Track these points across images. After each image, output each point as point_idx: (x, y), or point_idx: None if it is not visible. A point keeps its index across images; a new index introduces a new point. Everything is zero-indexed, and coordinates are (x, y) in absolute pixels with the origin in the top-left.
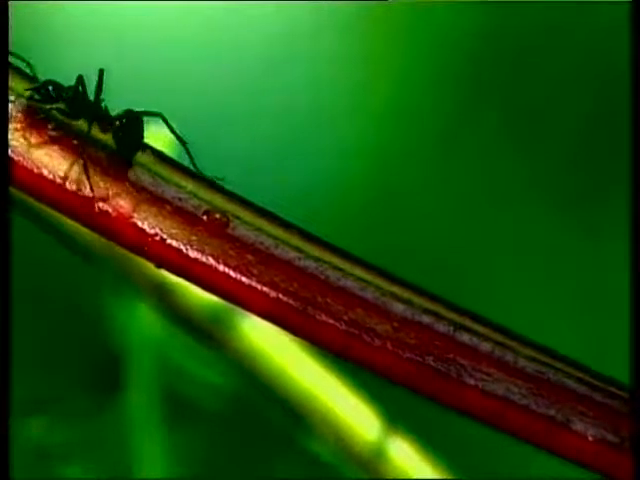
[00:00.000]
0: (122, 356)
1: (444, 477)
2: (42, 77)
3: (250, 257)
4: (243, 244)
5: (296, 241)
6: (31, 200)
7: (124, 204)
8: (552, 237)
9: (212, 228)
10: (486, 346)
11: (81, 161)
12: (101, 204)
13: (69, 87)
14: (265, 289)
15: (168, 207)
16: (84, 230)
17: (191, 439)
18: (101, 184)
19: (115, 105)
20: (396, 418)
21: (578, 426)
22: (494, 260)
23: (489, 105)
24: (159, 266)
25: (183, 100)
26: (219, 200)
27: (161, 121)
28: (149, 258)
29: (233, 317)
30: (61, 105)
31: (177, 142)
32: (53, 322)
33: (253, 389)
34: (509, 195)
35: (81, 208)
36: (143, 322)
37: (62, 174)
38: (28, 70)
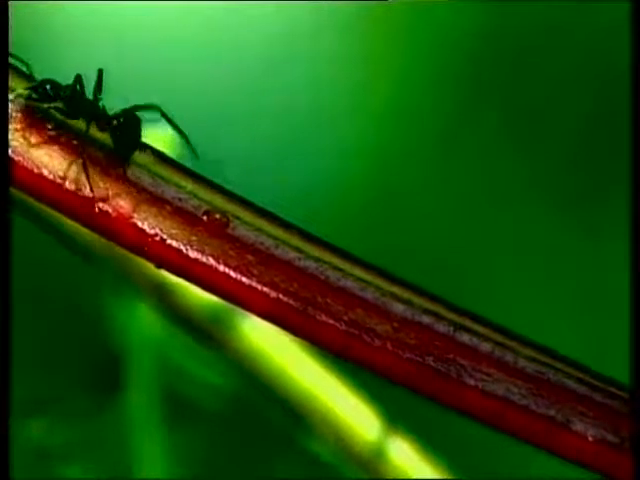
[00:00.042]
0: (122, 356)
1: (444, 477)
2: (42, 77)
3: (250, 257)
4: (243, 244)
5: (296, 241)
6: (31, 200)
7: (124, 204)
8: (552, 237)
9: (212, 228)
10: (486, 346)
11: (81, 161)
12: (101, 204)
13: (67, 86)
14: (265, 289)
15: (168, 207)
16: (84, 230)
17: (191, 439)
18: (101, 184)
19: (115, 105)
20: (396, 418)
21: (578, 426)
22: (494, 260)
23: (489, 105)
24: (159, 266)
25: (183, 100)
26: (219, 200)
27: (161, 121)
28: (149, 258)
29: (233, 317)
30: (59, 104)
31: (176, 137)
32: (53, 322)
33: (253, 389)
34: (509, 195)
35: (81, 208)
36: (143, 322)
37: (62, 174)
38: (25, 69)
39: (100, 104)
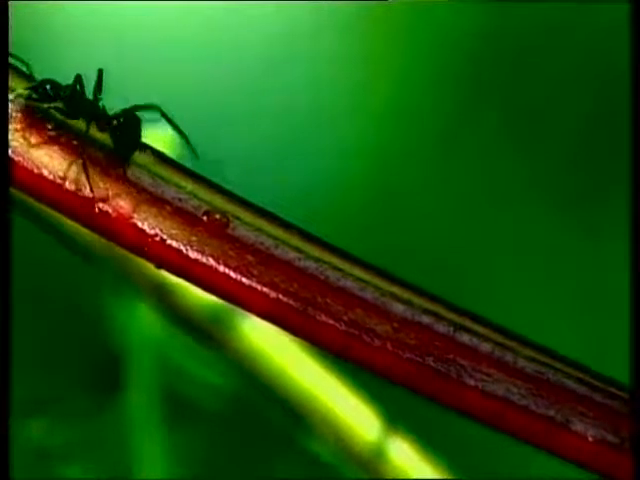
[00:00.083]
0: (122, 356)
1: (444, 477)
2: (42, 77)
3: (250, 257)
4: (243, 244)
5: (296, 241)
6: (31, 200)
7: (124, 204)
8: (552, 237)
9: (212, 228)
10: (486, 346)
11: (81, 161)
12: (101, 204)
13: (67, 86)
14: (265, 289)
15: (168, 207)
16: (84, 230)
17: (191, 439)
18: (101, 184)
19: (115, 105)
20: (396, 418)
21: (578, 426)
22: (494, 260)
23: (489, 105)
24: (159, 266)
25: (183, 100)
26: (219, 200)
27: (161, 121)
28: (149, 258)
29: (233, 317)
30: (59, 104)
31: (176, 137)
32: (53, 322)
33: (253, 389)
34: (509, 195)
35: (81, 208)
36: (143, 322)
37: (62, 174)
38: (25, 69)
39: (100, 104)
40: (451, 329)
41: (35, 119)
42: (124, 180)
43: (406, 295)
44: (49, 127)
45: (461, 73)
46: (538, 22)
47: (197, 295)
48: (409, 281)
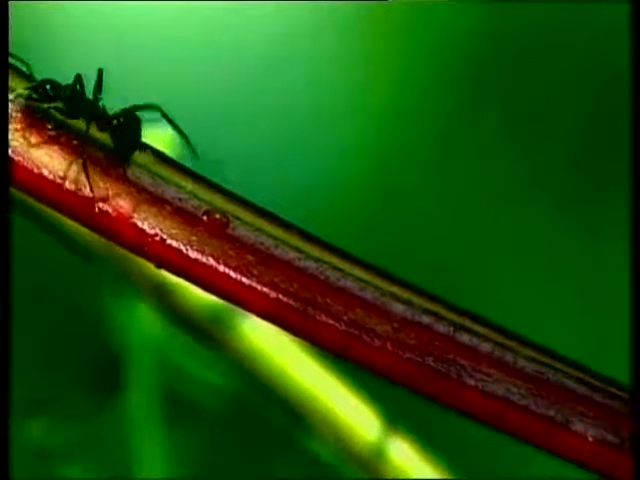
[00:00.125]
0: (122, 356)
1: (444, 477)
2: (42, 77)
3: (250, 257)
4: (243, 244)
5: (296, 241)
6: (31, 200)
7: (124, 204)
8: (552, 237)
9: (212, 228)
10: (486, 346)
11: (81, 161)
12: (101, 204)
13: (67, 86)
14: (265, 289)
15: (168, 207)
16: (84, 230)
17: (191, 439)
18: (101, 184)
19: (115, 105)
20: (396, 418)
21: (578, 426)
22: (494, 260)
23: (489, 105)
24: (159, 266)
25: (183, 100)
26: (219, 200)
27: (161, 121)
28: (149, 258)
29: (233, 317)
30: (59, 104)
31: (176, 137)
32: (53, 322)
33: (253, 389)
34: (509, 195)
35: (81, 208)
36: (143, 322)
37: (62, 174)
38: (25, 69)
39: (100, 104)
40: (451, 329)
41: (35, 119)
42: (124, 180)
43: (406, 295)
44: (49, 127)
45: (461, 73)
46: (538, 22)
47: (197, 295)
48: (409, 281)
